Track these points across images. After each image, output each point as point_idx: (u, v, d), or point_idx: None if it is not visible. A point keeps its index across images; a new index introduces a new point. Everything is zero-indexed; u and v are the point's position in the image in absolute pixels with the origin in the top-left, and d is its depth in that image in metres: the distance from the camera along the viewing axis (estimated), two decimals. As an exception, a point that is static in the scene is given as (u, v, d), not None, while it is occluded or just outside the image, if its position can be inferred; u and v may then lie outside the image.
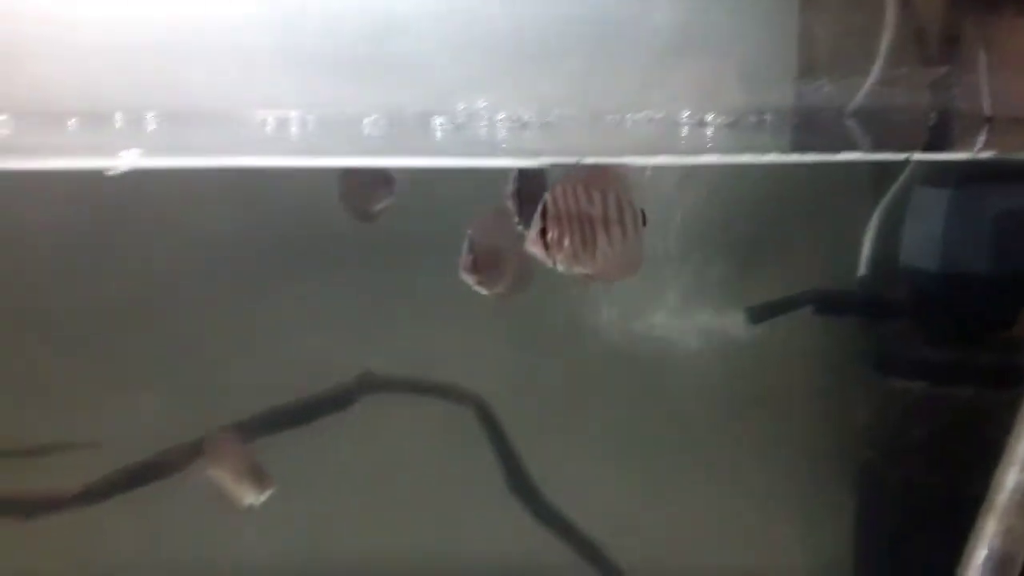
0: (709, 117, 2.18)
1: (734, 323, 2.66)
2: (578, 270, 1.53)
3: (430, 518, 2.65)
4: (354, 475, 2.62)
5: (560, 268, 1.53)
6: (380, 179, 1.94)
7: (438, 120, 2.14)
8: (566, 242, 1.49)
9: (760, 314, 2.65)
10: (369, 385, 2.49)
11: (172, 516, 2.51)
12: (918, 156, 2.26)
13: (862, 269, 2.68)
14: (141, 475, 2.23)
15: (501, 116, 2.18)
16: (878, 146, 2.25)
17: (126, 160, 1.79)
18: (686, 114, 2.18)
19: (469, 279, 1.84)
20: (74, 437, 2.32)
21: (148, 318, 2.54)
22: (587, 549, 2.55)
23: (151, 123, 2.15)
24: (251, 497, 1.97)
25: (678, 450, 2.76)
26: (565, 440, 2.67)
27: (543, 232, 1.50)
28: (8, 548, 2.30)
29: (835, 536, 2.79)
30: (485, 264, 1.82)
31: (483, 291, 1.83)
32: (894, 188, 2.63)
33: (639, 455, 2.76)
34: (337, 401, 2.45)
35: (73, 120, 2.12)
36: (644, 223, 1.53)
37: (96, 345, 2.54)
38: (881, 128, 2.27)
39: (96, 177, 1.79)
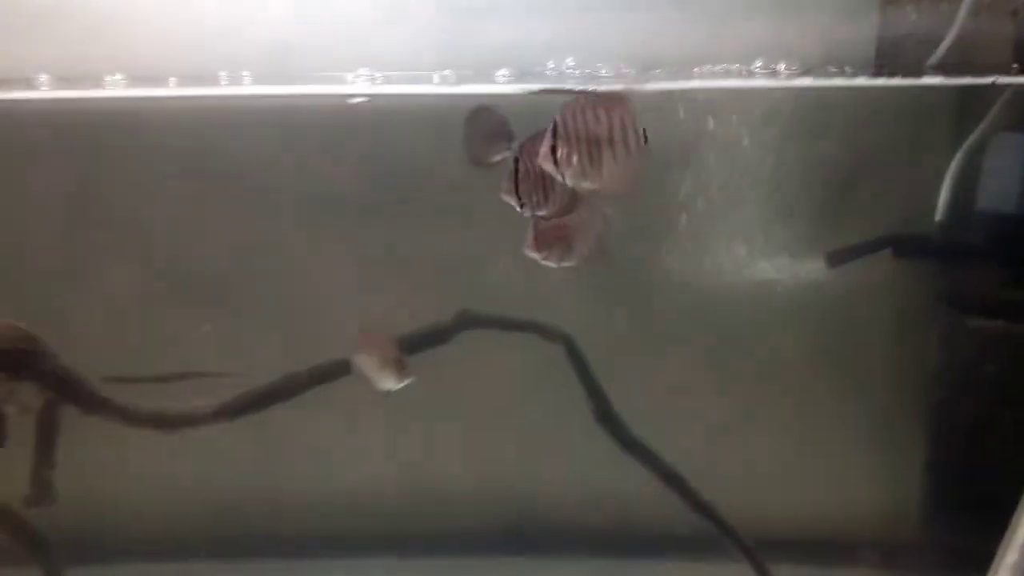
0: (782, 66, 2.29)
1: (813, 265, 2.77)
2: (585, 185, 1.67)
3: (523, 446, 2.85)
4: (452, 405, 2.83)
5: (569, 183, 1.67)
6: (501, 132, 2.06)
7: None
8: (574, 159, 1.63)
9: (839, 257, 2.75)
10: (466, 321, 2.67)
11: (291, 439, 2.78)
12: (1004, 80, 2.30)
13: (940, 213, 2.75)
14: (268, 397, 2.47)
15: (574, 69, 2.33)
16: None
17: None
18: (758, 64, 2.29)
19: (533, 255, 1.95)
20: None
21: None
22: (671, 479, 2.70)
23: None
24: (391, 383, 2.19)
25: (757, 389, 2.89)
26: (649, 376, 2.83)
27: (553, 149, 1.64)
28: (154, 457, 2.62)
29: (908, 472, 2.89)
30: (548, 240, 1.93)
31: (551, 265, 1.94)
32: (975, 132, 2.69)
33: (720, 392, 2.89)
34: (436, 336, 2.64)
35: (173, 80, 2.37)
36: (646, 142, 1.66)
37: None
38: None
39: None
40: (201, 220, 2.73)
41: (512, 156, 1.84)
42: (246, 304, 2.78)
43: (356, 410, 2.75)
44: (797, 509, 2.94)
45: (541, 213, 1.78)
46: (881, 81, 2.25)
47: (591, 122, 1.63)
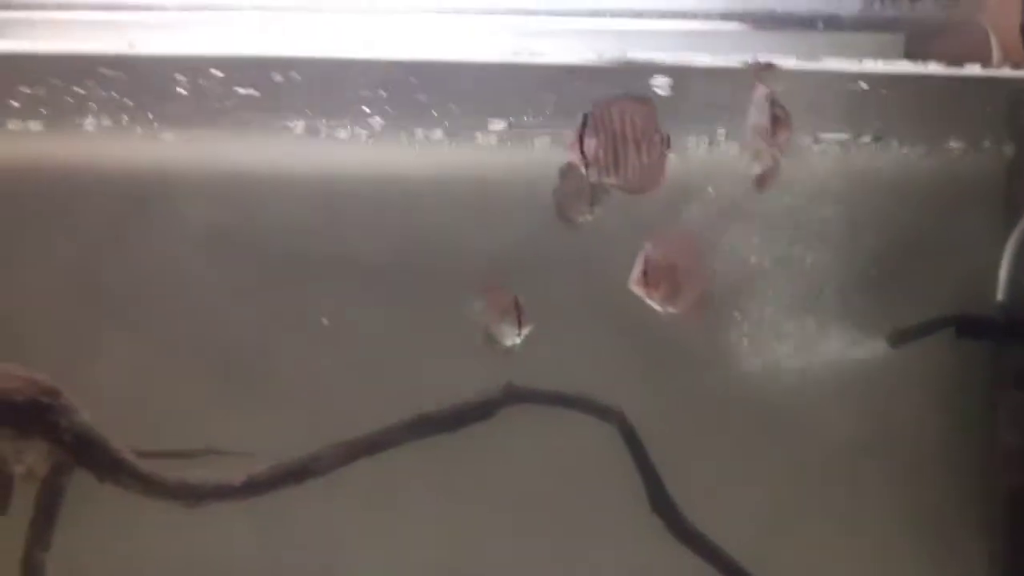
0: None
1: (875, 346, 2.65)
2: (607, 181, 1.71)
3: (569, 535, 2.61)
4: (494, 487, 2.61)
5: (591, 177, 1.71)
6: (587, 193, 2.01)
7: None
8: (600, 154, 1.68)
9: (902, 337, 2.64)
10: (512, 396, 2.48)
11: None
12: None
13: (1000, 293, 2.67)
14: (298, 472, 2.23)
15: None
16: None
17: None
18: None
19: (638, 291, 1.88)
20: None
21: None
22: (732, 570, 2.47)
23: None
24: (510, 338, 2.11)
25: (818, 476, 2.72)
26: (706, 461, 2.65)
27: (580, 141, 1.68)
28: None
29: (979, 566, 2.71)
30: (657, 278, 1.87)
31: (655, 306, 1.87)
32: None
33: (778, 480, 2.71)
34: (481, 410, 2.44)
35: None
36: (669, 147, 1.72)
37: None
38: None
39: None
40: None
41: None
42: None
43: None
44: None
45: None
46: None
47: (618, 120, 1.69)
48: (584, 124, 1.68)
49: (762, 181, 1.83)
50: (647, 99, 1.74)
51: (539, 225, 2.41)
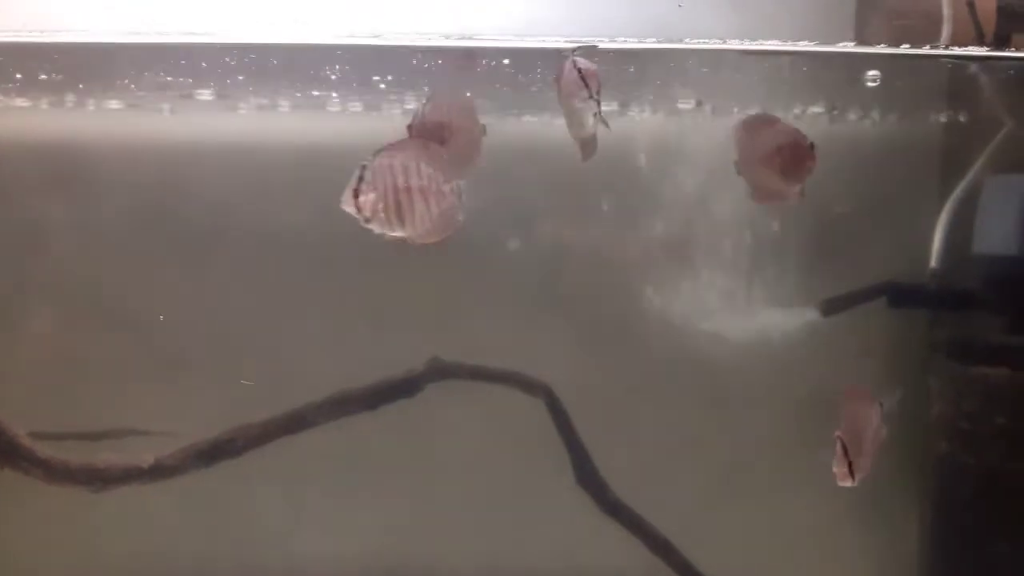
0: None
1: (807, 315, 2.62)
2: (393, 235, 1.62)
3: (497, 510, 2.60)
4: (419, 464, 2.58)
5: (375, 230, 1.61)
6: None
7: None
8: (380, 207, 1.58)
9: (833, 306, 2.61)
10: (438, 372, 2.45)
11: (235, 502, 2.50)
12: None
13: (934, 260, 2.64)
14: (209, 453, 2.19)
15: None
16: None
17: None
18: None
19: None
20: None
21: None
22: (658, 545, 2.46)
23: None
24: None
25: (747, 444, 2.70)
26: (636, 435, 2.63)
27: (356, 193, 1.58)
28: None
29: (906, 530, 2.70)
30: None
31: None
32: (966, 178, 2.61)
33: (709, 453, 2.70)
34: (405, 387, 2.41)
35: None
36: (460, 197, 1.61)
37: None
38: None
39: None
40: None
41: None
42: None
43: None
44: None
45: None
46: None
47: (400, 170, 1.60)
48: (360, 179, 1.58)
49: (586, 148, 1.76)
50: (432, 146, 1.66)
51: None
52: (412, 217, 1.59)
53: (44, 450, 1.99)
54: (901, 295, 2.61)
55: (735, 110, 2.49)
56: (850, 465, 1.90)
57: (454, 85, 2.15)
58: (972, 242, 2.58)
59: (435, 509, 2.59)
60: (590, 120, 1.73)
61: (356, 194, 1.58)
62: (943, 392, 2.58)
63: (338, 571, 2.61)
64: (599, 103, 1.71)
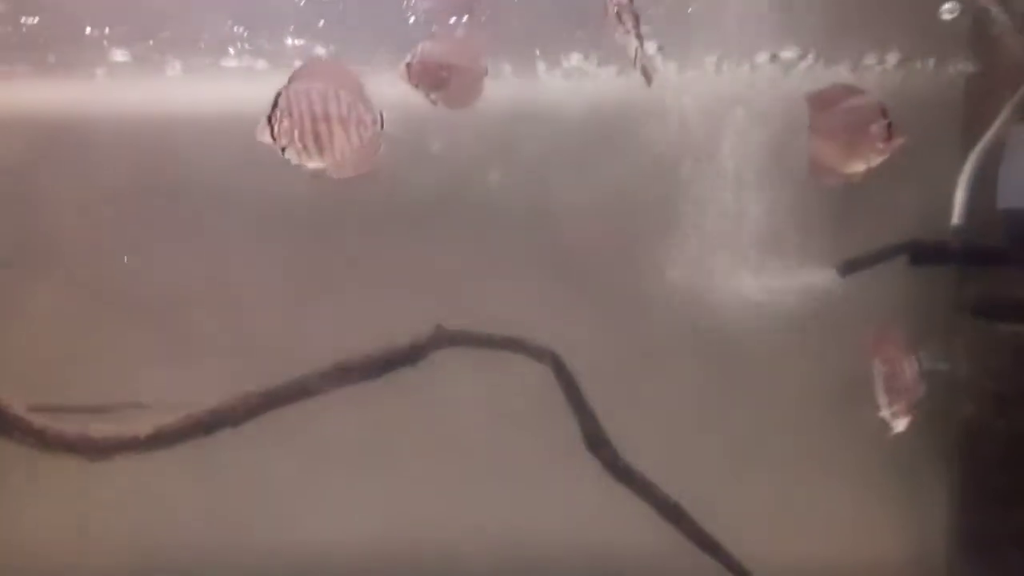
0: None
1: (825, 276, 2.53)
2: (310, 165, 1.55)
3: (504, 478, 2.55)
4: (426, 433, 2.54)
5: (291, 160, 1.55)
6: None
7: None
8: (296, 135, 1.52)
9: (851, 266, 2.52)
10: (442, 339, 2.39)
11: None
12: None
13: (956, 217, 2.53)
14: (208, 422, 2.17)
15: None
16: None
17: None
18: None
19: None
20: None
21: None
22: (670, 511, 2.39)
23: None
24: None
25: (770, 413, 2.62)
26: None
27: (269, 120, 1.52)
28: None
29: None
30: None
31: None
32: (989, 133, 2.49)
33: (727, 418, 2.62)
34: (408, 355, 2.36)
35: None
36: (382, 126, 1.56)
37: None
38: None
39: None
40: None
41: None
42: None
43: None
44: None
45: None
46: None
47: (318, 97, 1.53)
48: (275, 106, 1.51)
49: (645, 75, 1.71)
50: (351, 72, 1.58)
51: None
52: (331, 146, 1.52)
53: (39, 420, 1.97)
54: (923, 253, 2.50)
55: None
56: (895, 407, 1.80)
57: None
58: (996, 196, 2.46)
59: (441, 480, 2.55)
60: (632, 53, 1.68)
61: (270, 121, 1.52)
62: (969, 351, 2.47)
63: (344, 542, 2.58)
64: (639, 37, 1.67)
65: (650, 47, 2.06)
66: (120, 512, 2.49)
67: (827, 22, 2.40)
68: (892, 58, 2.57)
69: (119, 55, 2.42)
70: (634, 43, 1.67)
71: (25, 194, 2.52)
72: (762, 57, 2.49)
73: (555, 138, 2.49)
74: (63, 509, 2.47)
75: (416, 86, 1.78)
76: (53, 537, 2.53)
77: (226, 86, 2.56)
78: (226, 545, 2.60)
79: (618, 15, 1.67)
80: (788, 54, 2.55)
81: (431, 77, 1.74)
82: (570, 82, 2.52)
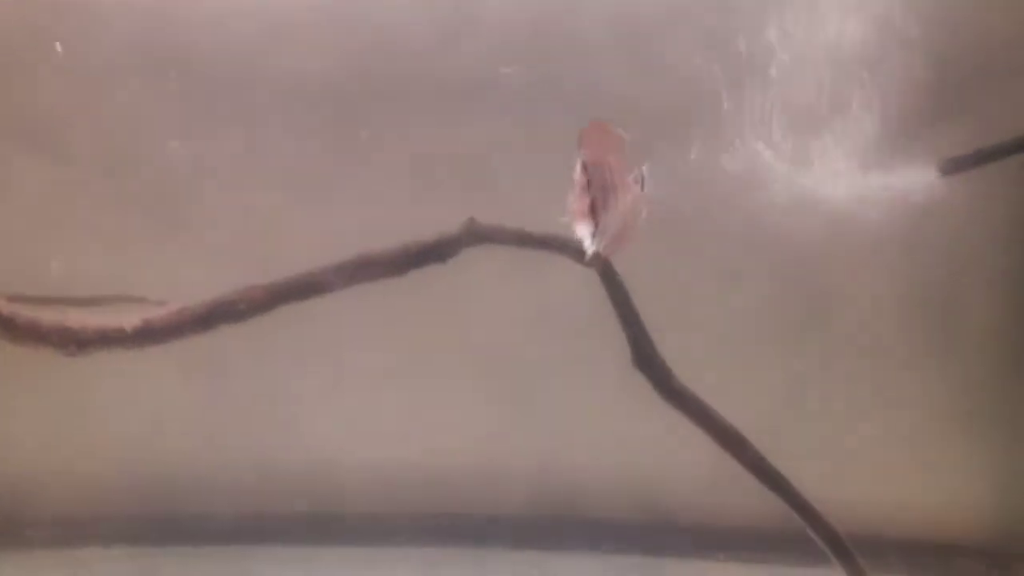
0: None
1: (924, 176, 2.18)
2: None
3: (540, 393, 2.28)
4: (454, 339, 2.28)
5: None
6: None
7: None
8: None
9: (955, 166, 2.16)
10: (474, 235, 2.09)
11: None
12: None
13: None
14: (206, 317, 1.91)
15: None
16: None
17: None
18: None
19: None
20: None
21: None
22: (729, 438, 2.10)
23: None
24: None
25: (845, 336, 2.31)
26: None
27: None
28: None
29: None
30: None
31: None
32: None
33: (796, 340, 2.31)
34: (436, 251, 2.07)
35: None
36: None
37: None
38: None
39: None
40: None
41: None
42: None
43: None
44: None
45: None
46: None
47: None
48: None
49: None
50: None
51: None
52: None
53: (7, 306, 1.73)
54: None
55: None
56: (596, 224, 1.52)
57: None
58: None
59: (470, 397, 2.30)
60: None
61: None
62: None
63: (364, 460, 2.35)
64: None
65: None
66: (106, 417, 2.27)
67: None
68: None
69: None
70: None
71: (16, 63, 2.26)
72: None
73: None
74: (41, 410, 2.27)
75: None
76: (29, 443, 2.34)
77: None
78: (226, 460, 2.39)
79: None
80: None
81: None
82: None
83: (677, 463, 2.24)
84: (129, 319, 1.83)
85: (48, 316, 1.77)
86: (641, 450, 2.29)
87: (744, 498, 2.12)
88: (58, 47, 2.14)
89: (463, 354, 2.30)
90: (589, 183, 1.48)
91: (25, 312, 1.75)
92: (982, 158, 2.15)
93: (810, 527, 1.95)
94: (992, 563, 2.33)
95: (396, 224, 2.13)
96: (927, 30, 2.11)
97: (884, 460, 2.38)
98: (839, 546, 1.95)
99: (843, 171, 2.19)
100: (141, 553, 2.38)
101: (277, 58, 2.28)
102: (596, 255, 1.56)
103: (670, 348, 2.18)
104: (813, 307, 2.34)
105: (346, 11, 2.30)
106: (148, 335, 1.85)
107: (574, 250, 2.15)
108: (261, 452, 2.42)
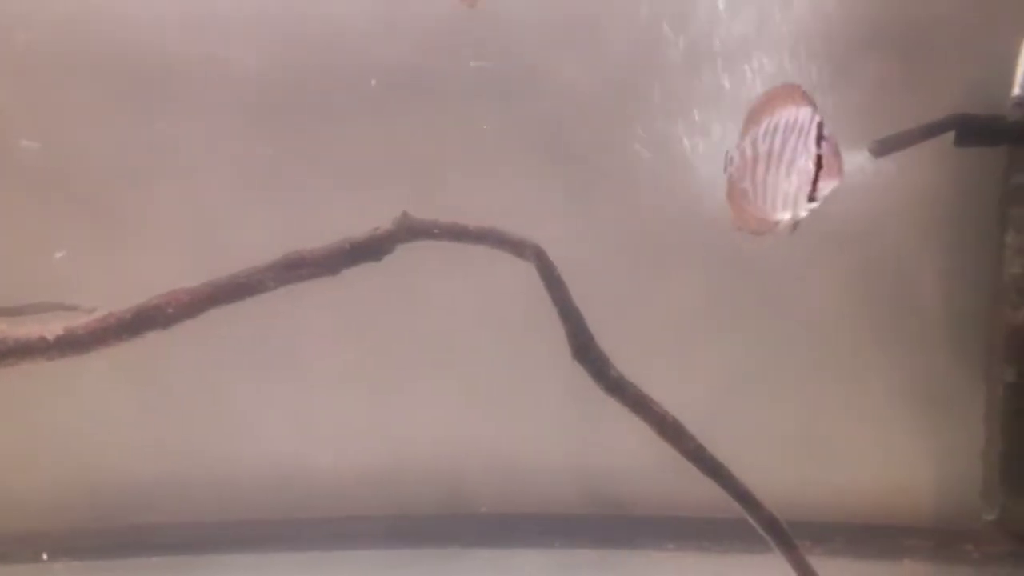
0: None
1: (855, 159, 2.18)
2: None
3: (480, 386, 2.27)
4: (396, 341, 2.25)
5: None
6: None
7: None
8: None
9: (884, 146, 2.16)
10: (408, 231, 2.07)
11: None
12: None
13: (1018, 87, 2.15)
14: (133, 323, 1.87)
15: None
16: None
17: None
18: None
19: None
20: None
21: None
22: (667, 427, 2.09)
23: None
24: None
25: (786, 320, 2.31)
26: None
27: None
28: None
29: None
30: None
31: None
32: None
33: (738, 327, 2.31)
34: (370, 248, 2.05)
35: None
36: None
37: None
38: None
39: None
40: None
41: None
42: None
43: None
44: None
45: None
46: None
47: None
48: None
49: None
50: None
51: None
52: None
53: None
54: (971, 131, 2.13)
55: None
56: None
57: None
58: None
59: (413, 392, 2.27)
60: None
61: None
62: (1019, 249, 2.13)
63: (308, 461, 2.32)
64: None
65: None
66: (50, 430, 2.23)
67: None
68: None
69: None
70: None
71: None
72: None
73: None
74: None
75: None
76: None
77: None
78: (179, 468, 2.36)
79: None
80: None
81: None
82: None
83: (616, 452, 2.23)
84: (51, 328, 1.78)
85: (-39, 328, 1.73)
86: (580, 441, 2.27)
87: (691, 487, 2.12)
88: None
89: (404, 352, 2.28)
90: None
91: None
92: (912, 138, 2.15)
93: (749, 514, 1.94)
94: (939, 543, 2.34)
95: (340, 222, 2.12)
96: (853, 11, 2.11)
97: (830, 446, 2.38)
98: (779, 533, 1.94)
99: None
100: (86, 567, 2.34)
101: (211, 53, 2.24)
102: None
103: (617, 339, 2.18)
104: (754, 294, 2.33)
105: (282, 6, 2.26)
106: (72, 343, 1.81)
107: (512, 245, 2.15)
108: (210, 459, 2.38)
